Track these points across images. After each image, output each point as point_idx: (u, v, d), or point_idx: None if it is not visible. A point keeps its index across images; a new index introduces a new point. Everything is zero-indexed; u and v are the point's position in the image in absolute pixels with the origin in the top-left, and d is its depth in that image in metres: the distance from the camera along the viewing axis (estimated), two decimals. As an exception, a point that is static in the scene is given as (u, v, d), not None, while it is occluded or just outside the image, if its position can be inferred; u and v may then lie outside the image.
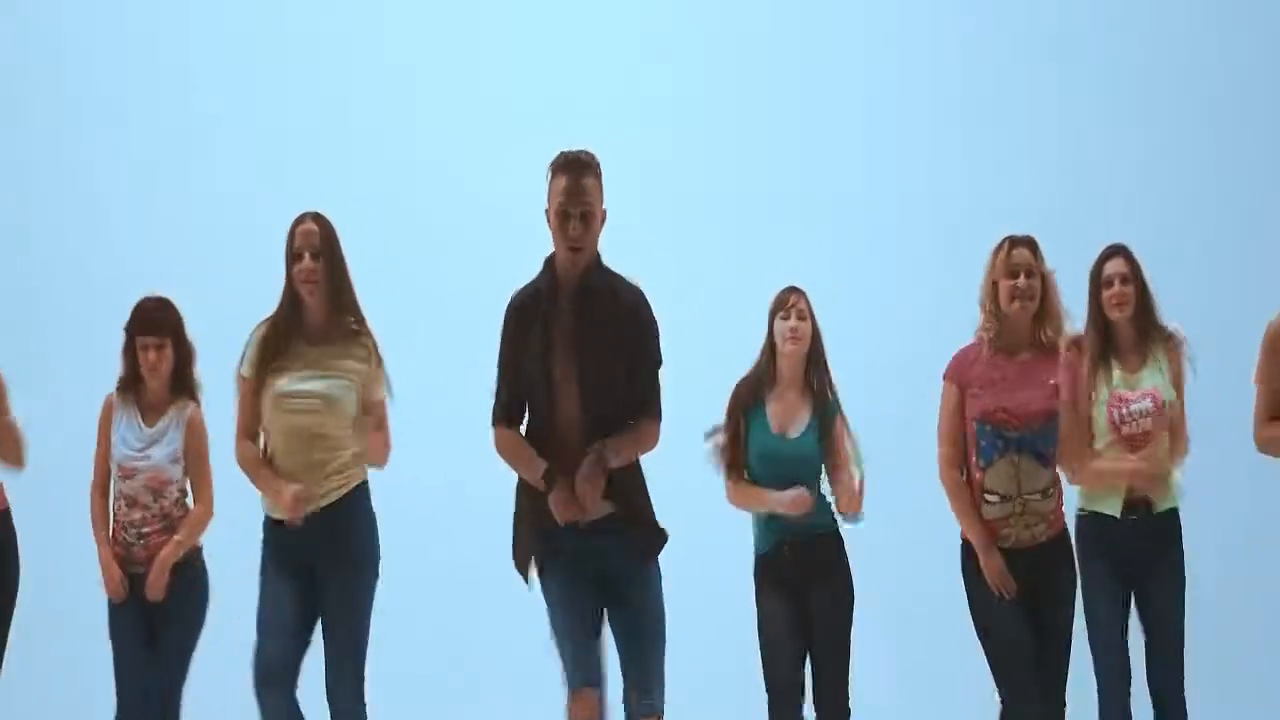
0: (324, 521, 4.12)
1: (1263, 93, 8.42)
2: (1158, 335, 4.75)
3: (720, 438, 4.73)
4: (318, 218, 4.31)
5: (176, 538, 4.62)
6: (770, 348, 4.84)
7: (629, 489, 3.78)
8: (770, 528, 4.73)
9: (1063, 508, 4.60)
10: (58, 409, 5.94)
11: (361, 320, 4.34)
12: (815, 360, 4.82)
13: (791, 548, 4.68)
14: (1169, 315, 4.97)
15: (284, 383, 4.18)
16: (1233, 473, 5.73)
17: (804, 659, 4.66)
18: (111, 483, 4.77)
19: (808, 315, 4.83)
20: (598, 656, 3.70)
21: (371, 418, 4.32)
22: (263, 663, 4.08)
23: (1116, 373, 4.70)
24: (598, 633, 3.73)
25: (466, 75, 8.61)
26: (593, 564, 3.70)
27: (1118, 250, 4.75)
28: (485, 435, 4.30)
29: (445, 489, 5.79)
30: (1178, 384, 4.77)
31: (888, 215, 8.17)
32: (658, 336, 3.88)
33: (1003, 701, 4.47)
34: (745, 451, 4.66)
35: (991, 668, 4.46)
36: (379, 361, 4.33)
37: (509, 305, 3.82)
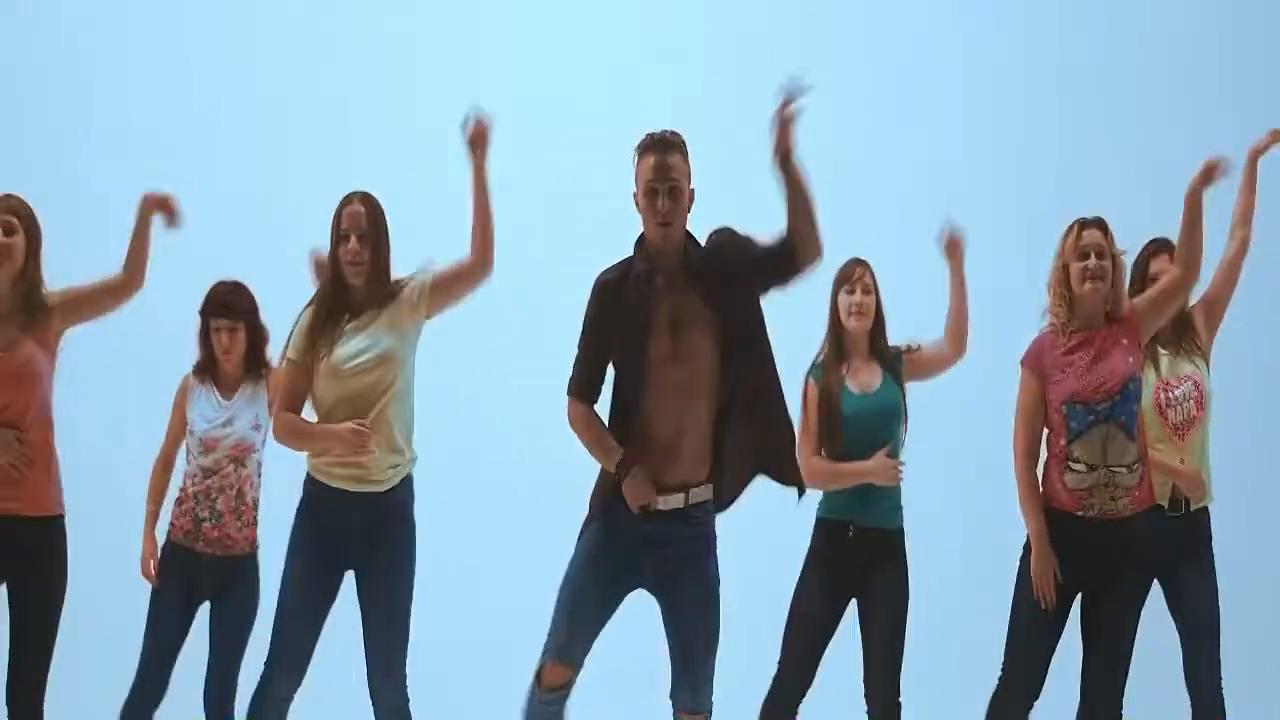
0: (375, 510, 4.14)
1: (1263, 92, 8.45)
2: (1191, 333, 4.79)
3: (810, 410, 4.68)
4: (365, 198, 4.33)
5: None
6: (835, 320, 4.83)
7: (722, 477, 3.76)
8: (847, 502, 4.72)
9: (1151, 485, 4.51)
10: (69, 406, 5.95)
11: (394, 284, 4.33)
12: (879, 331, 4.87)
13: (858, 531, 4.68)
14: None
15: (338, 354, 4.18)
16: (1246, 466, 5.72)
17: (823, 652, 4.67)
18: (186, 459, 4.90)
19: (872, 289, 4.86)
20: (587, 643, 3.70)
21: (453, 273, 4.32)
22: (288, 645, 4.11)
23: (1164, 360, 4.75)
24: (605, 619, 3.72)
25: (466, 73, 8.62)
26: (654, 553, 3.67)
27: (1165, 247, 4.83)
28: (498, 433, 4.30)
29: (459, 487, 5.77)
30: (1212, 307, 4.86)
31: (889, 212, 8.19)
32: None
33: (999, 689, 4.45)
34: (839, 420, 4.57)
35: (1006, 656, 4.46)
36: (406, 287, 4.32)
37: (596, 283, 3.80)
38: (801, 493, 3.91)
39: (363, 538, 4.15)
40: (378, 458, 4.17)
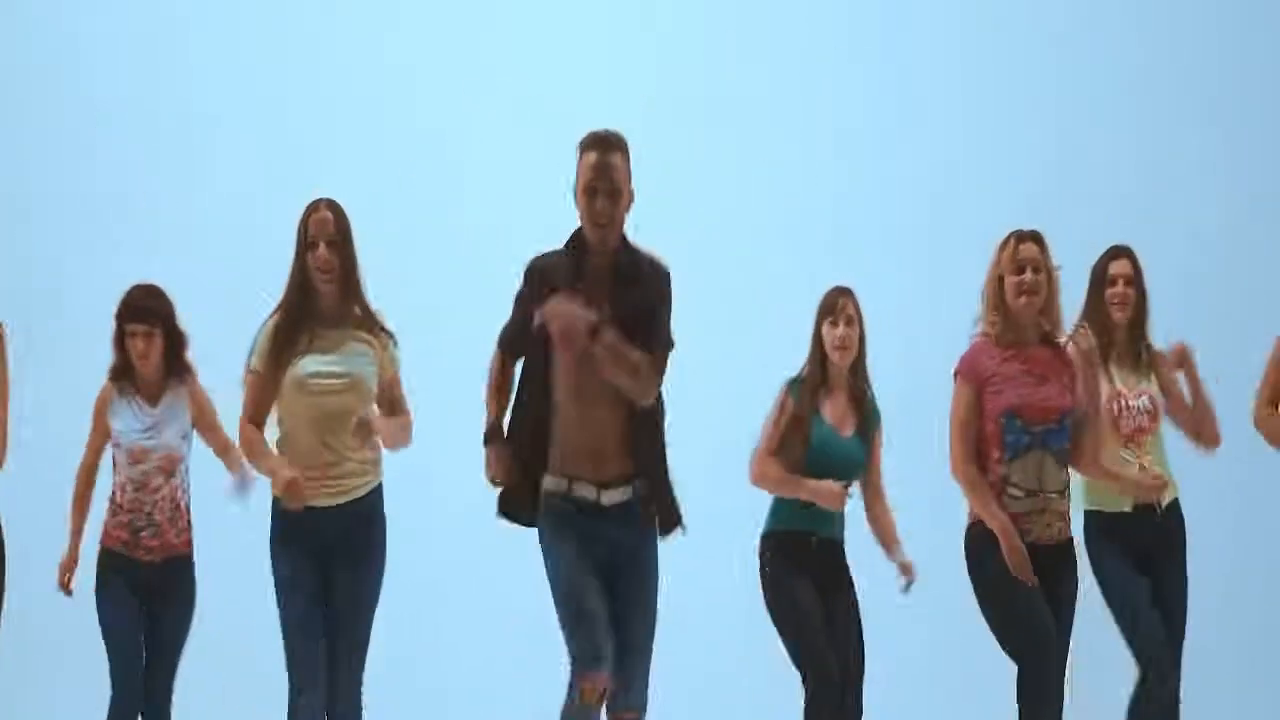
0: (345, 517, 4.16)
1: (1260, 94, 8.48)
2: (1147, 345, 4.88)
3: (780, 417, 4.68)
4: (332, 205, 4.29)
5: (239, 458, 4.60)
6: (819, 349, 4.84)
7: (652, 468, 3.80)
8: (804, 515, 4.75)
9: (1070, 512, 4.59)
10: (52, 407, 5.97)
11: (367, 307, 4.35)
12: (860, 363, 4.86)
13: (820, 543, 4.71)
14: (1164, 315, 5.02)
15: (305, 365, 4.17)
16: (1225, 468, 5.74)
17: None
18: (114, 469, 4.84)
19: (855, 320, 4.82)
20: (607, 632, 3.62)
21: (386, 397, 4.32)
22: (305, 661, 4.08)
23: (1114, 370, 4.77)
24: (607, 609, 3.67)
25: (467, 71, 8.63)
26: (602, 548, 3.69)
27: (1124, 251, 4.84)
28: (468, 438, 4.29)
29: (430, 491, 5.80)
30: (1168, 387, 4.86)
31: (888, 214, 8.21)
32: (669, 316, 3.86)
33: (1023, 670, 4.37)
34: (803, 444, 4.63)
35: (1016, 640, 4.40)
36: (387, 344, 4.35)
37: (528, 265, 3.84)
38: (667, 533, 3.86)
39: (339, 543, 4.16)
40: (350, 474, 4.18)
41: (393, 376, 4.34)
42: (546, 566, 3.67)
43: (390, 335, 4.36)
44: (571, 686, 3.62)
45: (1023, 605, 4.31)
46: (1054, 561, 4.43)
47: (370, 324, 4.31)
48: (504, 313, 4.15)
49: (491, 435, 3.72)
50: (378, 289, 4.56)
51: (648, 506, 3.75)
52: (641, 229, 4.19)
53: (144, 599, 4.80)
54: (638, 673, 3.67)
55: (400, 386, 4.36)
